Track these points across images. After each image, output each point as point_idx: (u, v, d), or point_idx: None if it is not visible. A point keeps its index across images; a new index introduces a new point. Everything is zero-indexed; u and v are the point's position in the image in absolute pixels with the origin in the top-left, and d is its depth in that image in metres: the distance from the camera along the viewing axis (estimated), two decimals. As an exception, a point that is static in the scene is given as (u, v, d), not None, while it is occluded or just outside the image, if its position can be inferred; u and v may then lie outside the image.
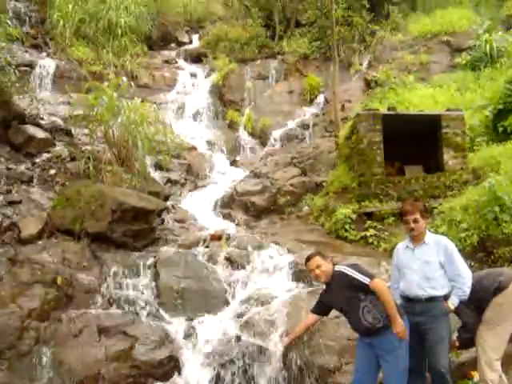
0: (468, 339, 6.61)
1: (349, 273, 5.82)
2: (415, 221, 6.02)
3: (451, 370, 6.15)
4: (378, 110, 12.47)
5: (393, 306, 5.71)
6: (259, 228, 12.05)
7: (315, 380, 6.74)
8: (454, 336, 6.63)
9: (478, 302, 6.31)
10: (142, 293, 8.28)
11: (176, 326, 7.63)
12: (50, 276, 8.12)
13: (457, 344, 6.75)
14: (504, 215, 9.06)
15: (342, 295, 5.87)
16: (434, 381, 5.98)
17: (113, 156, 11.50)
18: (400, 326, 5.68)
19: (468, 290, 5.98)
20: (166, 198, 12.18)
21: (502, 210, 9.09)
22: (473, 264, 8.58)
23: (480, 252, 9.03)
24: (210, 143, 17.50)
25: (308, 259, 6.18)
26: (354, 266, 6.00)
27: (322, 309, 6.32)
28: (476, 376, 6.76)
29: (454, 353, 6.93)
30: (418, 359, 5.99)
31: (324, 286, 6.20)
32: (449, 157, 11.91)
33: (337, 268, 6.01)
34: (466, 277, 6.00)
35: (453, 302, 5.95)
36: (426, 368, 6.08)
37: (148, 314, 7.81)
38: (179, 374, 6.93)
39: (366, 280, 5.73)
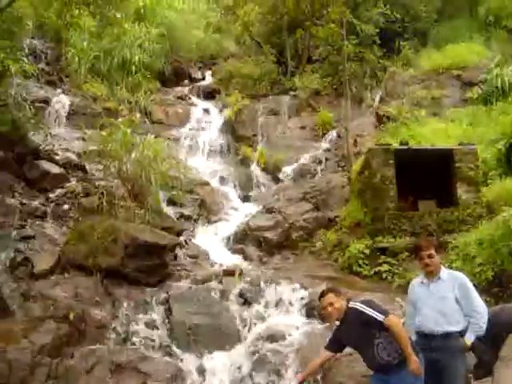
0: (484, 374, 6.54)
1: (363, 309, 5.75)
2: (430, 256, 5.96)
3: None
4: (390, 144, 12.48)
5: (407, 343, 5.61)
6: (272, 263, 12.00)
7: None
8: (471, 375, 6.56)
9: (493, 338, 6.23)
10: (154, 329, 8.26)
11: (188, 362, 7.61)
12: (63, 311, 8.13)
13: (472, 382, 6.68)
14: (520, 249, 9.01)
15: (355, 332, 5.78)
16: (450, 418, 5.87)
17: (126, 191, 11.58)
18: (415, 363, 5.58)
19: (484, 326, 5.90)
20: (179, 234, 12.18)
21: (518, 244, 9.04)
22: (488, 299, 8.47)
23: (495, 287, 8.94)
24: (222, 178, 17.48)
25: (321, 295, 6.10)
26: (368, 303, 5.92)
27: (335, 345, 6.20)
28: (494, 414, 6.64)
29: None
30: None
31: (337, 323, 6.14)
32: (462, 191, 11.87)
33: (351, 304, 5.94)
34: (482, 312, 5.93)
35: (469, 338, 5.87)
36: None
37: (160, 350, 7.78)
38: (192, 411, 6.89)
39: (380, 317, 5.66)
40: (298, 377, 6.39)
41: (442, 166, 12.04)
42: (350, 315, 5.82)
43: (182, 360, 7.66)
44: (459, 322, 5.88)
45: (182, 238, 12.20)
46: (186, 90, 23.44)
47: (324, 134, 19.53)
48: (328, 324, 8.22)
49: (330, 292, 6.01)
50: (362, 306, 5.77)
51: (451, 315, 5.86)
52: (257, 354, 7.48)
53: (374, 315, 5.63)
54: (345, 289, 9.03)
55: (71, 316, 8.05)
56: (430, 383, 5.75)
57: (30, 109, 13.13)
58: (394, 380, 5.65)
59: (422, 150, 12.16)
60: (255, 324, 8.48)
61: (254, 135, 19.95)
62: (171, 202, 14.19)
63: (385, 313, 5.69)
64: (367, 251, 11.04)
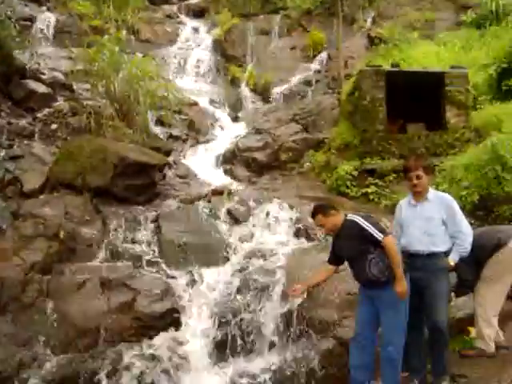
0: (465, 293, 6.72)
1: (362, 224, 5.80)
2: (418, 177, 6.02)
3: (449, 326, 6.23)
4: (381, 66, 12.35)
5: (399, 266, 5.72)
6: (260, 184, 12.05)
7: (315, 333, 6.84)
8: (452, 293, 6.72)
9: (476, 259, 6.37)
10: (144, 247, 8.35)
11: (178, 279, 7.73)
12: (53, 230, 8.15)
13: (453, 299, 6.86)
14: (505, 174, 9.08)
15: (350, 244, 5.88)
16: (432, 336, 6.05)
17: (114, 111, 11.48)
18: (402, 286, 5.70)
19: (469, 247, 6.02)
20: (168, 154, 12.17)
21: (504, 168, 9.10)
22: (473, 222, 8.60)
23: (480, 210, 9.06)
24: (211, 99, 17.36)
25: (312, 216, 6.22)
26: (368, 218, 5.97)
27: (335, 258, 6.30)
28: (473, 332, 6.86)
29: (452, 309, 7.01)
30: (417, 314, 6.04)
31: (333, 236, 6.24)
32: (451, 115, 11.85)
33: (350, 217, 6.02)
34: (467, 233, 6.04)
35: (453, 259, 5.99)
36: (424, 323, 6.14)
37: (150, 268, 7.89)
38: (181, 325, 7.03)
39: (378, 235, 5.72)
40: (298, 287, 6.40)
41: (433, 90, 11.97)
42: (348, 227, 5.89)
43: (171, 277, 7.77)
44: (444, 242, 6.00)
45: (170, 158, 12.18)
46: (174, 8, 23.00)
47: (315, 55, 19.31)
48: (316, 243, 8.41)
49: (319, 213, 6.08)
50: (361, 220, 5.83)
51: (437, 236, 5.97)
52: (245, 272, 7.61)
53: (373, 232, 5.70)
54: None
55: (61, 234, 8.09)
56: (414, 301, 5.93)
57: (15, 27, 12.82)
58: (379, 295, 5.81)
59: (413, 73, 12.06)
60: (243, 242, 8.62)
61: (244, 55, 19.74)
62: (160, 122, 14.13)
63: (383, 231, 5.76)
64: (355, 173, 11.10)
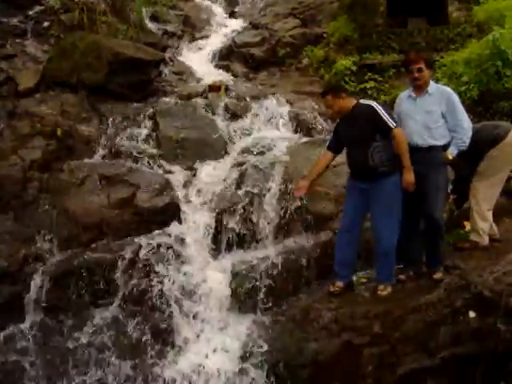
0: (462, 199, 6.80)
1: (377, 109, 5.85)
2: (419, 70, 5.96)
3: (445, 219, 6.35)
4: (382, -43, 11.96)
5: (408, 158, 5.80)
6: (258, 80, 11.87)
7: (313, 226, 6.96)
8: (449, 188, 6.79)
9: (473, 154, 6.40)
10: (142, 143, 8.33)
11: (176, 174, 7.78)
12: (50, 128, 8.10)
13: (451, 196, 6.94)
14: (506, 69, 8.97)
15: (359, 127, 5.90)
16: (428, 228, 6.20)
17: (107, 6, 11.18)
18: (411, 176, 5.81)
19: (467, 141, 6.04)
20: (163, 50, 11.93)
21: (505, 64, 8.98)
22: (472, 117, 8.55)
23: (479, 106, 9.00)
24: (207, -7, 16.88)
25: (322, 95, 6.20)
26: (384, 107, 6.03)
27: (335, 144, 6.34)
28: (468, 225, 7.00)
29: (449, 205, 7.11)
30: (414, 207, 6.15)
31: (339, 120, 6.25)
32: (453, 9, 11.64)
33: (364, 101, 6.05)
34: (466, 127, 6.04)
35: (451, 152, 6.02)
36: (421, 215, 6.25)
37: (149, 164, 7.90)
38: (180, 219, 7.12)
39: (391, 124, 5.78)
40: (302, 183, 6.41)
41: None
42: (361, 110, 5.93)
43: (170, 172, 7.80)
44: (443, 136, 6.03)
45: (166, 55, 11.94)
46: None
47: None
48: (314, 138, 8.40)
49: (329, 93, 6.04)
50: (378, 106, 5.89)
51: (436, 129, 6.00)
52: (243, 166, 7.63)
53: (387, 120, 5.74)
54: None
55: (59, 132, 8.04)
56: (412, 194, 6.03)
57: None
58: (375, 187, 5.88)
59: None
60: (241, 137, 8.61)
61: (240, -51, 18.93)
62: (154, 18, 13.73)
63: (396, 123, 5.80)
64: (354, 68, 10.92)
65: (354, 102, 6.07)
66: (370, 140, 5.81)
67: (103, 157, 8.11)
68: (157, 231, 6.90)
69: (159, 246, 6.64)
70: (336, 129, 6.30)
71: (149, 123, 8.68)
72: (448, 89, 6.27)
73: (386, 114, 5.80)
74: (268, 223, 6.99)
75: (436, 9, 11.75)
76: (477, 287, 5.86)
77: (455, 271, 6.22)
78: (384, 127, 5.76)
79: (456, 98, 6.09)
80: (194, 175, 7.72)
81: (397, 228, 6.03)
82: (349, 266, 6.28)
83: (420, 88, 6.07)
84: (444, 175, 6.13)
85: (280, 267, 6.57)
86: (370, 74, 10.84)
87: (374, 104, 5.93)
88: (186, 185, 7.52)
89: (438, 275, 6.16)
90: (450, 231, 7.00)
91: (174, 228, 6.99)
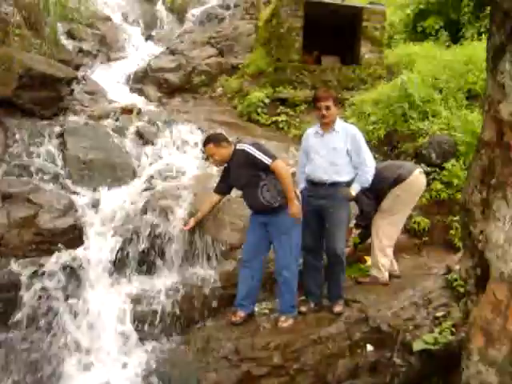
0: (365, 230, 6.99)
1: (251, 151, 5.92)
2: (327, 108, 6.09)
3: (346, 254, 6.49)
4: (301, -5, 12.26)
5: (291, 188, 5.91)
6: (171, 105, 11.86)
7: (218, 255, 6.96)
8: (352, 223, 6.98)
9: (376, 192, 6.62)
10: (48, 162, 8.08)
11: (82, 195, 7.55)
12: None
13: (354, 230, 7.13)
14: (412, 112, 9.35)
15: (242, 172, 6.01)
16: (329, 262, 6.30)
17: (22, 19, 10.89)
18: (296, 207, 5.93)
19: (370, 179, 6.21)
20: (77, 68, 11.74)
21: (411, 106, 9.37)
22: (377, 156, 8.88)
23: (385, 145, 9.33)
24: (126, 15, 16.79)
25: (203, 145, 6.32)
26: (257, 146, 6.10)
27: (224, 187, 6.49)
28: (369, 261, 7.17)
29: (352, 239, 7.29)
30: (317, 241, 6.29)
31: (225, 164, 6.33)
32: (366, 50, 11.99)
33: (239, 146, 6.11)
34: (369, 166, 6.21)
35: (354, 189, 6.17)
36: (323, 249, 6.37)
37: (53, 183, 7.65)
38: (83, 242, 6.94)
39: (267, 160, 5.87)
40: (190, 222, 6.62)
41: (350, 24, 12.03)
42: (238, 156, 5.99)
43: (75, 193, 7.61)
44: (347, 173, 6.16)
45: (79, 73, 11.75)
46: None
47: (235, -22, 18.84)
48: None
49: (210, 142, 6.14)
50: (250, 147, 5.93)
51: (340, 166, 6.11)
52: (151, 191, 7.55)
53: (262, 158, 5.84)
54: (242, 135, 9.23)
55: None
56: (315, 228, 6.16)
57: None
58: (273, 221, 5.99)
59: (332, 5, 12.01)
60: (151, 162, 8.53)
61: (163, -29, 18.99)
62: (70, 35, 13.54)
63: (272, 157, 5.87)
64: (267, 100, 11.11)
65: (232, 148, 6.17)
66: (257, 180, 5.94)
67: (6, 174, 7.79)
68: (58, 253, 6.66)
69: (60, 268, 6.41)
70: (224, 173, 6.42)
71: (56, 142, 8.40)
72: (353, 127, 6.45)
73: (259, 153, 5.90)
74: (174, 250, 6.91)
75: (349, 49, 12.14)
76: (375, 321, 5.97)
77: (355, 305, 6.34)
78: (262, 165, 5.89)
79: (361, 137, 6.26)
80: (100, 198, 7.54)
81: (297, 259, 6.17)
82: (251, 297, 6.31)
83: (327, 125, 6.20)
84: (346, 210, 6.27)
85: (184, 295, 6.51)
86: (282, 107, 11.04)
87: (245, 147, 6.00)
88: (91, 207, 7.32)
89: (338, 308, 6.25)
90: (351, 265, 7.18)
91: (76, 251, 6.76)
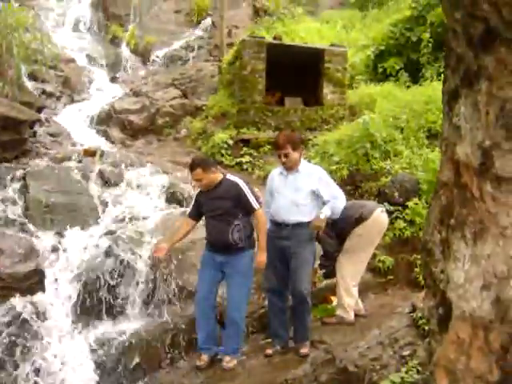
0: (330, 269, 6.99)
1: (243, 188, 5.97)
2: (286, 155, 6.15)
3: (312, 294, 6.47)
4: (263, 37, 12.46)
5: (265, 239, 5.99)
6: (135, 147, 11.88)
7: (182, 298, 6.89)
8: (317, 264, 6.97)
9: (340, 232, 6.65)
10: (9, 205, 7.96)
11: (44, 239, 7.42)
12: None
13: (318, 271, 7.13)
14: (374, 152, 9.47)
15: (224, 204, 5.98)
16: (295, 303, 6.27)
17: (-15, 61, 10.86)
18: (265, 257, 5.99)
19: (340, 207, 6.28)
20: (40, 110, 11.68)
21: (373, 146, 9.49)
22: (341, 196, 8.96)
23: (349, 185, 9.38)
24: (89, 57, 16.84)
25: (191, 168, 6.18)
26: (249, 186, 6.17)
27: (197, 213, 6.37)
28: (334, 300, 7.16)
29: (317, 278, 7.28)
30: (282, 281, 6.27)
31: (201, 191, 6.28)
32: (328, 91, 12.19)
33: (230, 177, 6.13)
34: (341, 197, 6.29)
35: (324, 212, 6.15)
36: (288, 290, 6.36)
37: (15, 227, 7.54)
38: (44, 288, 6.81)
39: (255, 204, 5.94)
40: (161, 247, 6.39)
41: (312, 65, 12.22)
42: (227, 186, 6.00)
43: (37, 237, 7.48)
44: (311, 213, 6.20)
45: (42, 115, 11.70)
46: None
47: (199, 21, 19.14)
48: (187, 209, 8.39)
49: (198, 167, 6.02)
50: (244, 185, 5.99)
51: (304, 206, 6.14)
52: (114, 235, 7.46)
53: (251, 200, 5.89)
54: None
55: None
56: (279, 269, 6.14)
57: None
58: (231, 261, 6.00)
59: (294, 47, 12.24)
60: (114, 205, 8.44)
61: (127, 15, 19.17)
62: (33, 77, 13.50)
63: (260, 204, 6.00)
64: (231, 142, 11.20)
65: (221, 176, 6.16)
66: (233, 217, 5.94)
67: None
68: (18, 299, 6.52)
69: (19, 314, 6.27)
70: (197, 198, 6.34)
71: (18, 185, 8.31)
72: (317, 167, 6.57)
73: (251, 194, 5.97)
74: (136, 294, 6.82)
75: (312, 90, 12.30)
76: (342, 362, 5.93)
77: (321, 346, 6.30)
78: (248, 207, 5.91)
79: (326, 175, 6.38)
80: (62, 242, 7.43)
81: (248, 300, 6.22)
82: (211, 338, 6.23)
83: (289, 168, 6.26)
84: (310, 251, 6.27)
85: (147, 340, 6.40)
86: (245, 148, 11.11)
87: (240, 182, 6.05)
88: (53, 252, 7.21)
89: (304, 350, 6.20)
90: (317, 306, 7.16)
91: (36, 296, 6.63)
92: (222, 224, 5.97)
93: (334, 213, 6.26)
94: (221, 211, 6.00)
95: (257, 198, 6.06)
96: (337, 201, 6.26)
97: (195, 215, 6.40)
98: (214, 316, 6.26)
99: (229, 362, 6.12)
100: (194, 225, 6.48)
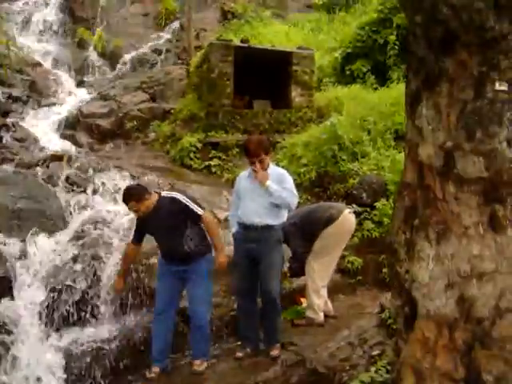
0: (298, 268, 7.00)
1: (182, 200, 5.96)
2: (261, 161, 6.12)
3: (281, 296, 6.48)
4: (231, 41, 12.47)
5: (220, 238, 6.06)
6: (103, 152, 11.79)
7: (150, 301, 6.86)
8: (285, 266, 6.99)
9: (308, 233, 6.69)
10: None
11: (10, 246, 7.30)
12: None
13: (288, 273, 7.15)
14: (342, 153, 9.53)
15: (167, 220, 5.95)
16: (264, 305, 6.27)
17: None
18: (224, 257, 6.01)
19: (292, 205, 6.17)
20: (6, 114, 11.56)
21: (341, 148, 9.56)
22: (309, 198, 9.02)
23: (317, 187, 9.45)
24: (56, 61, 16.67)
25: (124, 202, 6.14)
26: (186, 195, 6.19)
27: (140, 237, 6.34)
28: (304, 302, 7.18)
29: (286, 281, 7.30)
30: (251, 284, 6.25)
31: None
32: (296, 94, 12.23)
33: (166, 194, 6.13)
34: (294, 195, 6.16)
35: (270, 185, 6.04)
36: (257, 293, 6.35)
37: (-20, 234, 7.45)
38: (12, 295, 6.72)
39: (199, 211, 5.94)
40: (116, 282, 6.48)
41: (280, 68, 12.26)
42: (166, 204, 5.96)
43: (3, 244, 7.38)
44: (279, 216, 6.20)
45: (9, 120, 11.56)
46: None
47: (167, 24, 19.09)
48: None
49: (131, 201, 6.00)
50: (182, 196, 6.00)
51: (272, 209, 6.13)
52: (82, 240, 7.41)
53: (194, 208, 5.92)
54: (175, 180, 9.21)
55: None
56: (248, 272, 6.14)
57: None
58: (192, 268, 6.01)
59: (262, 50, 12.26)
60: (82, 210, 8.37)
61: (94, 18, 19.03)
62: (-2, 81, 13.35)
63: (203, 208, 6.00)
64: (199, 145, 11.18)
65: (156, 196, 6.10)
66: (182, 229, 5.96)
67: None
68: (-16, 306, 6.44)
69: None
70: (139, 223, 6.27)
71: (-16, 192, 8.21)
72: (281, 170, 6.58)
73: (191, 203, 5.98)
74: (106, 299, 6.77)
75: (280, 93, 12.34)
76: (312, 363, 5.96)
77: (291, 348, 6.32)
78: (192, 215, 5.93)
79: (287, 176, 6.27)
80: (30, 248, 7.34)
81: (211, 303, 6.24)
82: (165, 351, 6.20)
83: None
84: (279, 253, 6.27)
85: (117, 346, 6.36)
86: (214, 151, 11.11)
87: (177, 196, 6.04)
88: (21, 258, 7.10)
89: (274, 352, 6.20)
90: (286, 308, 7.17)
91: (4, 304, 6.55)
92: (174, 237, 5.97)
93: (283, 200, 6.07)
94: (169, 227, 5.97)
95: (199, 205, 6.07)
96: (290, 194, 6.12)
97: (138, 240, 6.36)
98: (171, 327, 6.21)
99: (199, 365, 6.10)
100: (139, 249, 6.48)
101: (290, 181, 6.25)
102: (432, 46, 2.99)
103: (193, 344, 6.24)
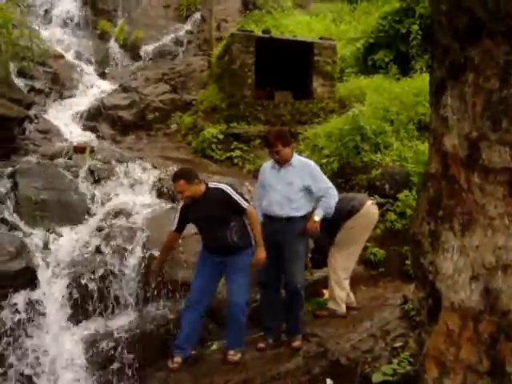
0: (320, 260, 6.99)
1: (229, 192, 5.96)
2: (277, 152, 6.13)
3: (304, 288, 6.47)
4: (252, 32, 12.43)
5: (260, 236, 5.97)
6: (125, 143, 11.85)
7: (174, 294, 6.89)
8: (308, 257, 6.97)
9: (331, 225, 6.63)
10: (-1, 203, 7.95)
11: (34, 237, 7.40)
12: None
13: (310, 264, 7.13)
14: (364, 144, 9.47)
15: (213, 211, 5.93)
16: (288, 296, 6.28)
17: (-28, 59, 10.81)
18: (263, 254, 5.95)
19: (333, 205, 6.23)
20: (29, 107, 11.61)
21: (363, 139, 9.49)
22: (332, 189, 8.95)
23: (339, 178, 9.37)
24: (78, 53, 16.72)
25: (173, 180, 6.16)
26: (233, 187, 6.19)
27: (183, 226, 6.35)
28: (326, 294, 7.17)
29: (308, 271, 7.29)
30: (275, 275, 6.25)
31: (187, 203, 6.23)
32: (318, 84, 12.19)
33: (213, 185, 6.10)
34: (333, 193, 6.24)
35: (318, 214, 6.16)
36: (281, 284, 6.36)
37: (5, 225, 7.51)
38: (36, 284, 6.79)
39: (244, 204, 5.94)
40: (154, 269, 6.56)
41: (302, 59, 12.21)
42: (214, 195, 5.96)
43: (27, 234, 7.45)
44: (303, 208, 6.19)
45: (31, 112, 11.63)
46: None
47: (188, 16, 19.06)
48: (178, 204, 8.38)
49: (181, 179, 5.98)
50: (228, 188, 6.00)
51: (296, 201, 6.12)
52: (105, 231, 7.46)
53: (239, 201, 5.92)
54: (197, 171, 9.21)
55: None
56: (273, 263, 6.12)
57: None
58: (232, 260, 6.01)
59: (284, 41, 12.23)
60: (104, 201, 8.42)
61: (115, 10, 19.08)
62: (21, 74, 13.40)
63: (248, 202, 6.02)
64: (221, 136, 11.19)
65: (204, 186, 6.09)
66: (228, 220, 5.95)
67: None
68: (10, 297, 6.49)
69: (12, 312, 6.25)
70: (183, 212, 6.28)
71: (8, 182, 8.27)
72: (309, 161, 6.49)
73: (237, 196, 5.97)
74: (128, 290, 6.81)
75: (301, 84, 12.30)
76: (334, 354, 5.92)
77: (313, 339, 6.30)
78: (238, 208, 5.91)
79: (317, 168, 6.32)
80: (54, 239, 7.41)
81: (248, 294, 6.19)
82: (192, 340, 6.22)
83: (281, 163, 6.24)
84: (303, 244, 6.27)
85: (139, 336, 6.41)
86: (236, 143, 11.11)
87: (224, 187, 6.03)
88: (45, 248, 7.18)
89: (296, 343, 6.19)
90: (309, 299, 7.16)
91: (29, 294, 6.61)
92: (219, 229, 5.97)
93: (328, 212, 6.24)
94: (215, 219, 5.97)
95: (245, 199, 6.07)
96: (329, 199, 6.21)
97: (180, 229, 6.38)
98: (201, 320, 6.25)
99: (234, 355, 6.10)
100: (179, 236, 6.52)
101: (319, 173, 6.28)
102: (457, 34, 2.94)
103: (229, 334, 6.23)
